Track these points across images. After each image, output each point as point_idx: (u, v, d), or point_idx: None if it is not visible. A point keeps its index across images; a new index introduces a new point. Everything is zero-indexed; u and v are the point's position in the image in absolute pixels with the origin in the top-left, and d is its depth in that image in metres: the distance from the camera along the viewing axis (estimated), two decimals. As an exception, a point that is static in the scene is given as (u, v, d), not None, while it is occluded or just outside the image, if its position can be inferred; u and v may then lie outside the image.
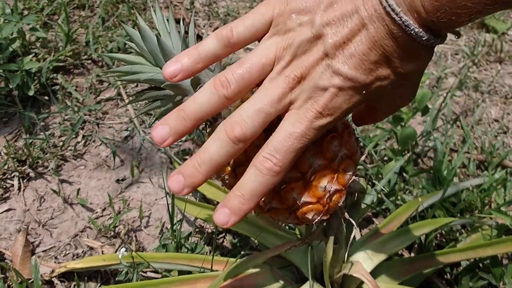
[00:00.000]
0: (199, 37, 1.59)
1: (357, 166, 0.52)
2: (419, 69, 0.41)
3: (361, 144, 1.20)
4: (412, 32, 0.36)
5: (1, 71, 1.21)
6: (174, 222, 0.92)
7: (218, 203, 1.03)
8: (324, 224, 0.62)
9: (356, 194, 0.63)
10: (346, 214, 0.57)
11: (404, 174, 1.09)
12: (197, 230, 1.01)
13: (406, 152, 1.13)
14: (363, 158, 1.18)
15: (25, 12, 1.55)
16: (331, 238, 0.59)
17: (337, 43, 0.39)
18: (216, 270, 0.82)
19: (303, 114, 0.41)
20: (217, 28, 1.69)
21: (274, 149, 0.42)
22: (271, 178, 0.42)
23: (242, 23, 0.44)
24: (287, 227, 0.91)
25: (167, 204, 0.91)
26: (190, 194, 1.08)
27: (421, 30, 0.36)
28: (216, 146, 0.43)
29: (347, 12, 0.38)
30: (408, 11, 0.36)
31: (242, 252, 0.93)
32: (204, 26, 1.68)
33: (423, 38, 0.37)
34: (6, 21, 1.26)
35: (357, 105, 0.41)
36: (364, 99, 0.41)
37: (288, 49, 0.41)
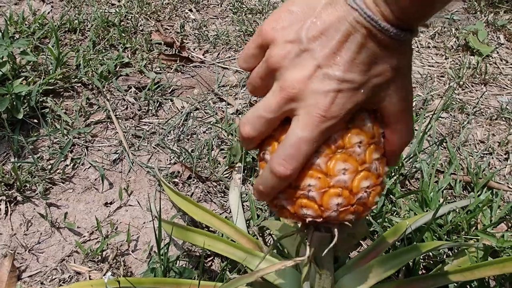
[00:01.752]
0: None
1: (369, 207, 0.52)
2: (406, 61, 0.47)
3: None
4: (391, 34, 0.42)
5: (-9, 94, 1.22)
6: (162, 246, 0.92)
7: (206, 226, 1.04)
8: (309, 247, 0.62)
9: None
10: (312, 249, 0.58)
11: (391, 195, 1.10)
12: (184, 253, 1.01)
13: (392, 173, 1.14)
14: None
15: (17, 36, 1.57)
16: (307, 254, 0.59)
17: (328, 54, 0.43)
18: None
19: (309, 119, 0.45)
20: (207, 51, 1.71)
21: (286, 155, 0.46)
22: (285, 179, 0.48)
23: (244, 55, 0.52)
24: (274, 251, 0.91)
25: (154, 228, 0.91)
26: (179, 217, 1.08)
27: (397, 31, 0.42)
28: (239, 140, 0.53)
29: (331, 25, 0.43)
30: (383, 19, 0.42)
31: (230, 276, 0.92)
32: (194, 49, 1.70)
33: (401, 36, 0.43)
34: (-3, 45, 1.27)
35: (359, 104, 0.46)
36: (365, 97, 0.45)
37: (281, 65, 0.46)
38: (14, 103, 1.23)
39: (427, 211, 1.02)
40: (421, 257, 0.96)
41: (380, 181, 0.52)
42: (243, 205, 1.11)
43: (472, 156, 1.30)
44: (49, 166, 1.16)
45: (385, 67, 0.45)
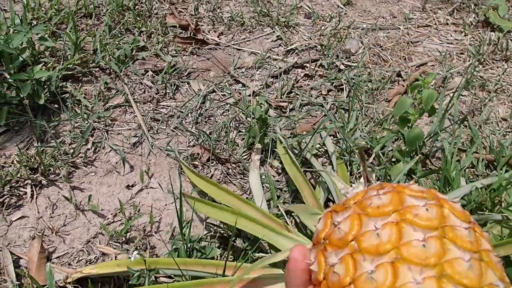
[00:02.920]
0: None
1: None
2: None
3: (368, 145, 1.21)
4: None
5: (12, 80, 1.23)
6: (184, 226, 0.93)
7: (225, 205, 1.05)
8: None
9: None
10: None
11: (413, 175, 1.10)
12: (206, 233, 1.02)
13: (413, 153, 1.13)
14: (371, 159, 1.18)
15: (34, 22, 1.58)
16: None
17: None
18: (227, 275, 0.82)
19: None
20: (222, 33, 1.70)
21: None
22: None
23: None
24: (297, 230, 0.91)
25: (176, 209, 0.92)
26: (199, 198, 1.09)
27: None
28: None
29: None
30: None
31: (254, 254, 0.94)
32: (209, 32, 1.69)
33: None
34: (16, 31, 1.28)
35: None
36: None
37: None
38: (35, 88, 1.24)
39: (449, 190, 1.01)
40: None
41: None
42: (263, 186, 1.12)
43: (495, 134, 1.28)
44: (71, 150, 1.17)
45: None
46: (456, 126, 1.25)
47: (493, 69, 1.57)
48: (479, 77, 1.52)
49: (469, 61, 1.60)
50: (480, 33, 1.76)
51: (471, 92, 1.46)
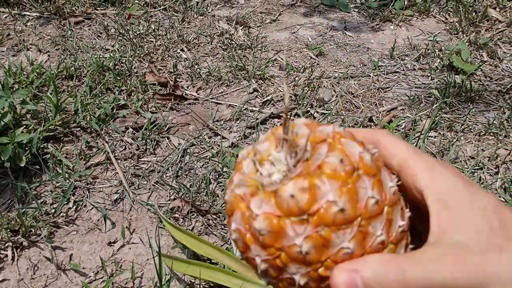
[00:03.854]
0: (183, 98, 1.65)
1: None
2: None
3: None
4: None
5: (-7, 144, 1.26)
6: (164, 282, 0.94)
7: (208, 258, 1.06)
8: None
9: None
10: None
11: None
12: (187, 287, 1.03)
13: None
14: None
15: (16, 86, 1.63)
16: None
17: None
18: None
19: None
20: (200, 88, 1.77)
21: None
22: None
23: None
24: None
25: (156, 267, 0.93)
26: (180, 251, 1.11)
27: None
28: None
29: None
30: None
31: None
32: (188, 87, 1.76)
33: None
34: (-2, 96, 1.33)
35: None
36: None
37: None
38: (17, 151, 1.27)
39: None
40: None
41: None
42: (243, 236, 1.14)
43: (464, 172, 1.34)
44: (53, 210, 1.19)
45: None
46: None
47: (459, 110, 1.66)
48: (446, 119, 1.60)
49: (436, 103, 1.68)
50: (445, 76, 1.85)
51: (439, 133, 1.53)
